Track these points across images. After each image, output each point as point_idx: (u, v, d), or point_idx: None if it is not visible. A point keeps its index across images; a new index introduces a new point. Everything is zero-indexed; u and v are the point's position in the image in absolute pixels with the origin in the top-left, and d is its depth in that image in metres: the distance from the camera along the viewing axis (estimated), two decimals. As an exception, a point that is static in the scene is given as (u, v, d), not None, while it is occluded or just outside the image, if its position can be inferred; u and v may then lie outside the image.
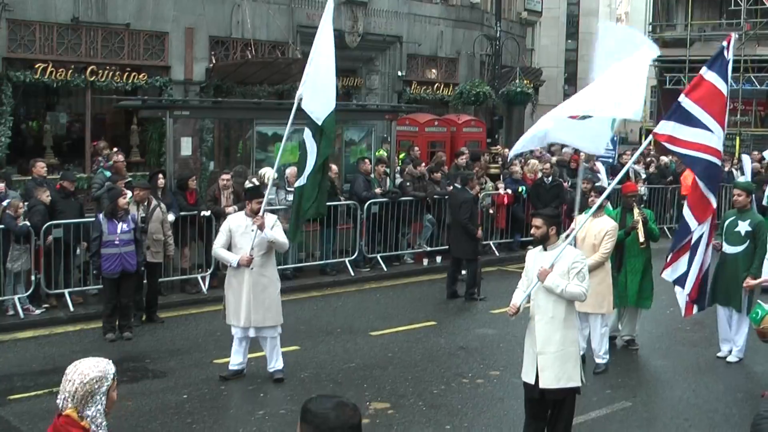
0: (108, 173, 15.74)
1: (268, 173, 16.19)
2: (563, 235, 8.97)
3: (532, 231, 8.68)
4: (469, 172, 18.78)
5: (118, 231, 12.80)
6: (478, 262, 16.40)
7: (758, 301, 10.31)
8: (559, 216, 8.91)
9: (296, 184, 10.88)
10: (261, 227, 10.77)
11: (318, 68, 10.52)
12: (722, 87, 8.97)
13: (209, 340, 12.79)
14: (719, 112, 8.95)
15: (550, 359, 8.27)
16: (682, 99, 8.91)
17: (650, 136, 9.61)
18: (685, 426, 9.88)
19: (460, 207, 16.05)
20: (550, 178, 20.15)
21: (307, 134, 10.59)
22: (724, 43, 9.14)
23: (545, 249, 8.51)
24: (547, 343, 8.30)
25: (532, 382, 8.37)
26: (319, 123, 10.46)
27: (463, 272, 17.53)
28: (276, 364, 11.07)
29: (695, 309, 10.55)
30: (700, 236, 9.76)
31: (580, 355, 8.55)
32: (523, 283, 8.67)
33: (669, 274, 10.35)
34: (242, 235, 10.96)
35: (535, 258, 8.57)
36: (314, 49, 10.59)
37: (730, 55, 9.08)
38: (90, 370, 4.54)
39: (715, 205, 9.52)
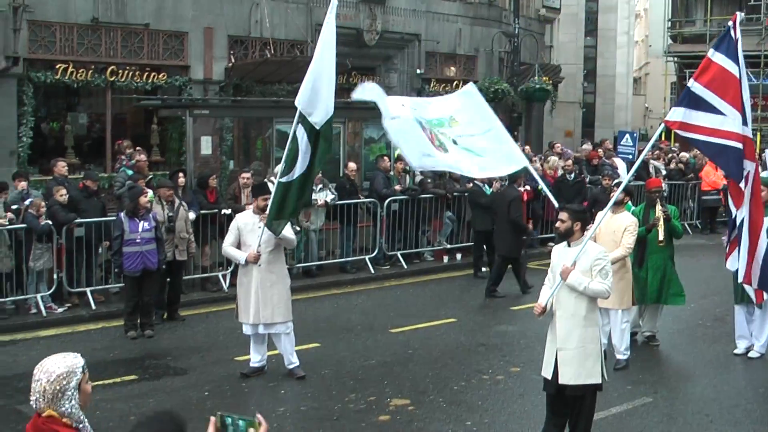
0: (130, 172, 15.82)
1: None
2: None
3: (557, 225, 8.65)
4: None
5: (140, 229, 12.89)
6: (524, 259, 16.43)
7: None
8: (585, 212, 8.88)
9: (283, 179, 10.57)
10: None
11: (319, 73, 10.35)
12: (732, 68, 8.76)
13: (230, 338, 12.84)
14: (733, 94, 8.75)
15: (570, 355, 8.27)
16: (692, 84, 8.76)
17: (661, 125, 9.51)
18: (706, 422, 9.84)
19: (510, 205, 16.12)
20: (572, 175, 20.12)
21: (301, 132, 10.49)
22: (730, 23, 8.97)
23: (569, 245, 8.50)
24: (568, 339, 8.30)
25: (549, 377, 8.39)
26: (317, 128, 10.42)
27: (484, 269, 17.59)
28: (292, 360, 11.13)
29: (766, 295, 10.49)
30: (742, 220, 9.56)
31: (602, 351, 8.52)
32: (548, 280, 8.66)
33: (731, 264, 10.19)
34: (250, 232, 11.01)
35: (559, 254, 8.55)
36: (316, 52, 10.54)
37: (737, 34, 8.89)
38: (55, 368, 4.47)
39: (744, 188, 9.24)
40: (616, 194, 10.73)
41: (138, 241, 12.87)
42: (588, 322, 8.36)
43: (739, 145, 8.88)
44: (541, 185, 11.05)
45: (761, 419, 9.87)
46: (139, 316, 13.15)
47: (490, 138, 9.58)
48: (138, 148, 17.53)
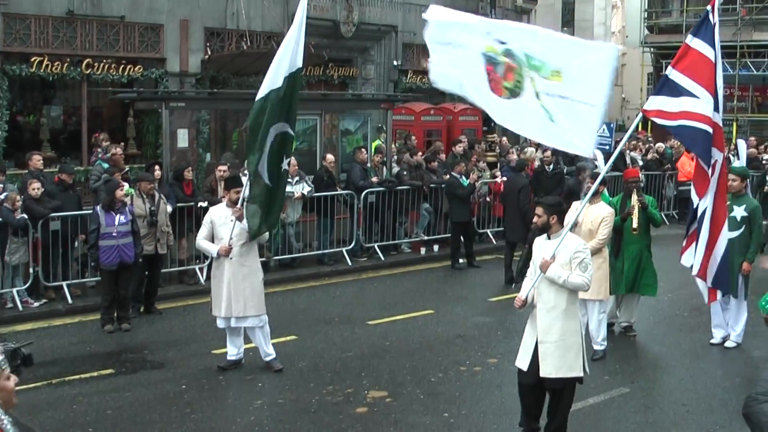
0: (106, 165, 15.72)
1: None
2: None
3: (534, 219, 8.69)
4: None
5: (116, 223, 12.82)
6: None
7: None
8: (560, 204, 8.83)
9: (263, 180, 10.68)
10: (239, 218, 10.84)
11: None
12: (709, 53, 8.77)
13: (207, 331, 12.79)
14: (707, 79, 8.75)
15: (551, 348, 8.30)
16: (670, 71, 8.78)
17: (639, 115, 9.47)
18: (682, 411, 9.90)
19: (519, 192, 16.29)
20: (551, 166, 20.15)
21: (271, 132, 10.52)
22: (709, 7, 8.98)
23: (549, 237, 8.53)
24: (548, 332, 8.33)
25: (525, 368, 8.41)
26: (279, 84, 10.41)
27: (461, 261, 17.63)
28: (268, 350, 11.11)
29: (719, 294, 10.40)
30: (704, 211, 9.51)
31: (583, 344, 8.55)
32: (531, 273, 8.67)
33: (686, 260, 10.12)
34: (222, 225, 11.01)
35: (539, 247, 8.58)
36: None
37: (715, 19, 8.90)
38: None
39: (710, 174, 9.22)
40: (594, 186, 10.40)
41: (114, 234, 12.80)
42: (568, 315, 8.39)
43: (710, 130, 8.86)
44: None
45: (738, 408, 9.79)
46: (115, 309, 13.09)
47: (583, 112, 8.00)
48: (113, 142, 17.43)
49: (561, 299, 8.36)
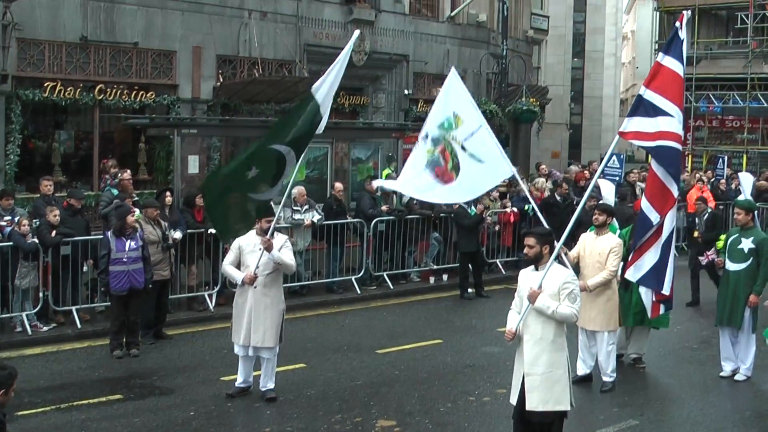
0: (115, 191, 15.79)
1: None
2: (568, 253, 8.85)
3: (525, 250, 8.52)
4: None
5: (126, 249, 12.86)
6: None
7: None
8: (551, 234, 8.64)
9: (261, 196, 10.64)
10: (268, 249, 10.78)
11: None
12: (678, 69, 8.71)
13: (216, 358, 12.81)
14: (677, 95, 8.71)
15: (537, 381, 8.17)
16: (644, 91, 8.72)
17: (617, 137, 9.21)
18: (692, 444, 9.86)
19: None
20: (560, 197, 20.07)
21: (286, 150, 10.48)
22: (678, 24, 8.95)
23: (536, 269, 8.42)
24: (534, 364, 8.20)
25: (515, 403, 8.30)
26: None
27: (470, 290, 17.60)
28: (269, 384, 11.05)
29: (662, 309, 10.06)
30: (659, 224, 9.25)
31: (570, 377, 8.48)
32: (516, 304, 8.56)
33: (631, 274, 9.73)
34: (250, 253, 10.97)
35: (526, 278, 8.47)
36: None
37: (683, 35, 8.87)
38: None
39: (676, 194, 9.05)
40: (575, 215, 9.31)
41: (125, 260, 12.83)
42: (556, 347, 8.25)
43: (679, 147, 8.82)
44: (532, 204, 11.02)
45: (747, 442, 9.88)
46: (124, 335, 13.10)
47: (484, 137, 9.07)
48: (124, 167, 17.49)
49: (548, 331, 8.22)
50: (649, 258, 9.06)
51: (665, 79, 8.68)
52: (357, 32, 11.32)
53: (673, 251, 9.22)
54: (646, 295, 9.79)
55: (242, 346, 10.96)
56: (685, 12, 9.15)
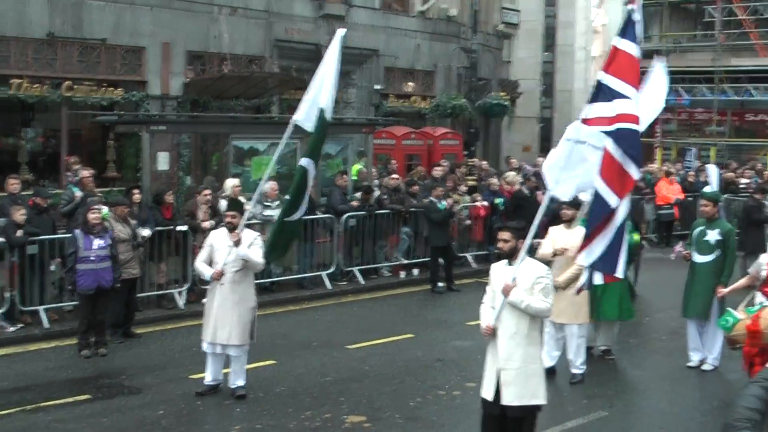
0: (77, 189, 15.61)
1: (229, 183, 16.24)
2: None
3: (500, 245, 8.45)
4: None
5: (94, 247, 12.72)
6: None
7: (728, 309, 10.34)
8: (525, 228, 8.60)
9: (294, 216, 10.89)
10: (236, 243, 10.74)
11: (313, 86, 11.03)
12: (634, 51, 8.76)
13: (185, 356, 12.74)
14: (633, 77, 8.72)
15: (512, 375, 8.12)
16: (602, 76, 8.71)
17: (579, 124, 9.19)
18: (660, 435, 9.92)
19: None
20: (529, 191, 20.10)
21: (307, 162, 10.70)
22: (631, 6, 8.93)
23: (510, 263, 8.35)
24: (510, 359, 8.14)
25: (491, 398, 8.22)
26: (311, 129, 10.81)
27: (440, 284, 17.61)
28: (238, 381, 11.00)
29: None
30: (615, 209, 9.11)
31: (543, 371, 8.46)
32: (488, 299, 8.50)
33: (584, 258, 9.60)
34: (219, 250, 10.94)
35: (499, 272, 8.43)
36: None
37: (637, 17, 8.88)
38: None
39: (636, 177, 9.00)
40: (540, 211, 9.78)
41: (92, 258, 12.69)
42: (530, 341, 8.21)
43: (638, 128, 8.79)
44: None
45: (715, 432, 9.95)
46: (93, 334, 13.00)
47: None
48: (90, 165, 17.33)
49: (522, 325, 8.16)
50: (602, 242, 8.92)
51: (621, 61, 8.70)
52: (342, 30, 11.34)
53: (626, 235, 9.11)
54: (597, 275, 9.73)
55: (210, 344, 10.91)
56: None
